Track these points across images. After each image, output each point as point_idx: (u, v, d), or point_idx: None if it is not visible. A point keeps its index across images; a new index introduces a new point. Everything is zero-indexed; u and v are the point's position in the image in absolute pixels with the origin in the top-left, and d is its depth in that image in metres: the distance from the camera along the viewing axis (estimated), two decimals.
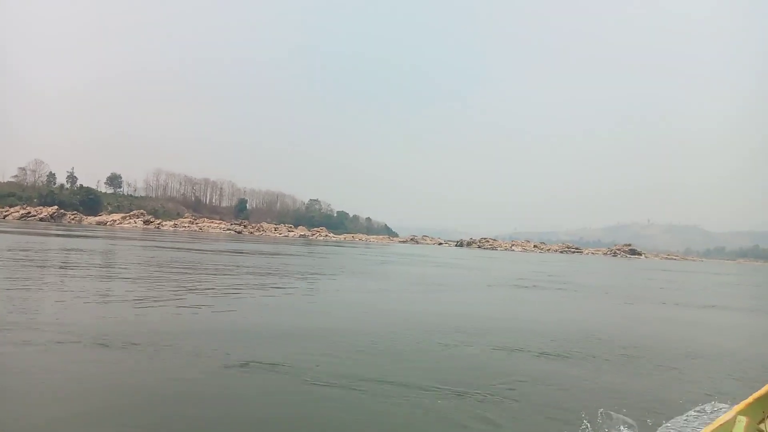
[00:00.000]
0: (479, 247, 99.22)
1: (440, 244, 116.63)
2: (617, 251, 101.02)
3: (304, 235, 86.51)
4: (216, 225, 78.93)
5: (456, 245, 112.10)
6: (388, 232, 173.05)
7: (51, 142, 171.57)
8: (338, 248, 36.21)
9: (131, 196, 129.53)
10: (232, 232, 75.87)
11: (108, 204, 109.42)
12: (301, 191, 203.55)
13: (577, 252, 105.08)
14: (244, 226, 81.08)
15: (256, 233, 79.46)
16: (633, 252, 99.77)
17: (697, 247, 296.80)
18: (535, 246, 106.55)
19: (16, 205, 71.93)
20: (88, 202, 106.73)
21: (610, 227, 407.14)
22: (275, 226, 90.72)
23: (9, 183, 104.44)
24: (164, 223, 75.60)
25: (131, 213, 76.92)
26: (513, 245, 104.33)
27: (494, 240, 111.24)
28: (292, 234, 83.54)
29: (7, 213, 65.12)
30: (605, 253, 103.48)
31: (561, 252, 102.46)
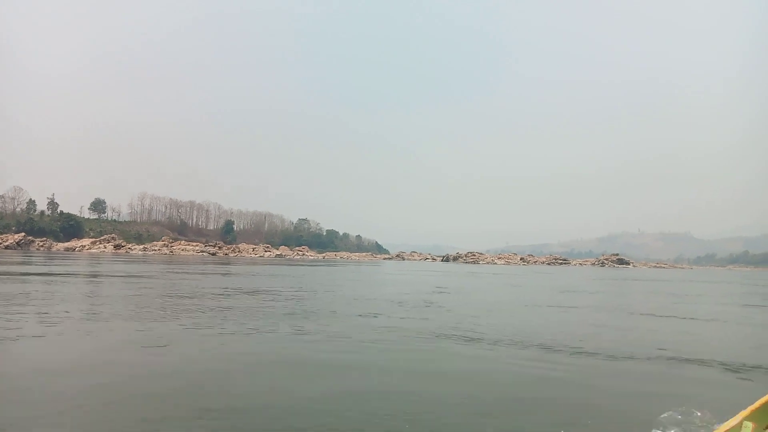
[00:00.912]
0: (464, 262, 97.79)
1: (426, 259, 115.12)
2: (605, 261, 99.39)
3: (281, 254, 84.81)
4: (191, 247, 77.36)
5: (442, 260, 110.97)
6: (378, 249, 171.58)
7: (31, 168, 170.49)
8: (294, 269, 34.59)
9: (115, 221, 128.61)
10: (206, 254, 74.38)
11: (90, 230, 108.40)
12: (290, 212, 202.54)
13: (565, 263, 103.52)
14: (219, 247, 79.55)
15: (232, 254, 77.94)
16: (621, 261, 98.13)
17: (689, 255, 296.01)
18: (521, 259, 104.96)
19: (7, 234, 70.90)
20: (69, 228, 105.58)
21: (602, 238, 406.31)
22: (253, 246, 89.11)
23: None
24: (133, 247, 73.92)
25: (101, 238, 75.39)
26: (498, 258, 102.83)
27: (480, 254, 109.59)
28: (268, 254, 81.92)
29: None
30: (593, 264, 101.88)
31: (548, 264, 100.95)
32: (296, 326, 8.46)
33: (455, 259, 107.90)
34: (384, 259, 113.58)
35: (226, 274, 23.88)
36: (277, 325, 8.61)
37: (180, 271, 24.77)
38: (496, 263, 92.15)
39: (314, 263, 57.58)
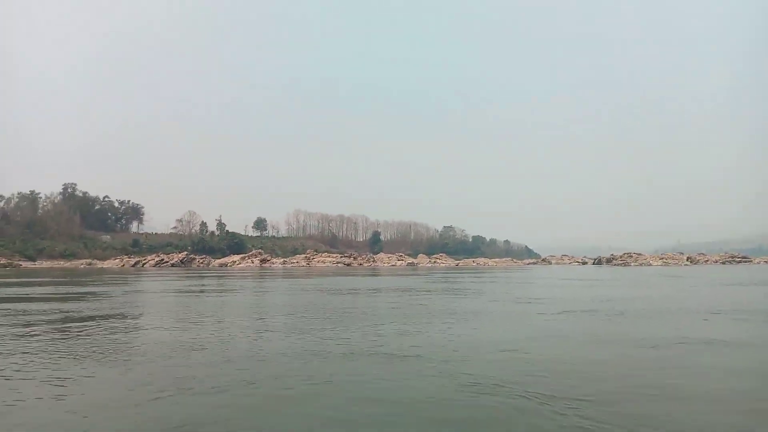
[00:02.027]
0: (616, 264, 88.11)
1: (577, 262, 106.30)
2: None
3: (413, 263, 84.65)
4: (329, 259, 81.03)
5: (594, 263, 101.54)
6: (529, 254, 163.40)
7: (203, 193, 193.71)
8: (395, 281, 33.69)
9: (274, 237, 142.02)
10: (341, 264, 77.20)
11: (252, 246, 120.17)
12: (434, 220, 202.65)
13: (745, 261, 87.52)
14: (354, 258, 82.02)
15: (366, 264, 79.85)
16: None
17: None
18: (688, 258, 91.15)
19: (173, 253, 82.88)
20: (234, 246, 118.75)
21: None
22: (389, 255, 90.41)
23: (170, 234, 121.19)
24: (274, 260, 79.53)
25: (250, 253, 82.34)
26: (660, 258, 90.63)
27: (639, 254, 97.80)
28: (400, 263, 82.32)
29: (145, 261, 74.02)
30: None
31: (722, 263, 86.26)
32: None
33: (609, 261, 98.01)
34: (528, 264, 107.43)
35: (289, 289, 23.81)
36: None
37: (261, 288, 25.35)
38: (651, 264, 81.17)
39: (429, 271, 56.27)
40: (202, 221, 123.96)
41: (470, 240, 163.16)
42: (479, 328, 8.51)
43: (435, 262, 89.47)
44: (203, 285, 24.09)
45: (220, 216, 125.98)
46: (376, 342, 7.09)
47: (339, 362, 5.80)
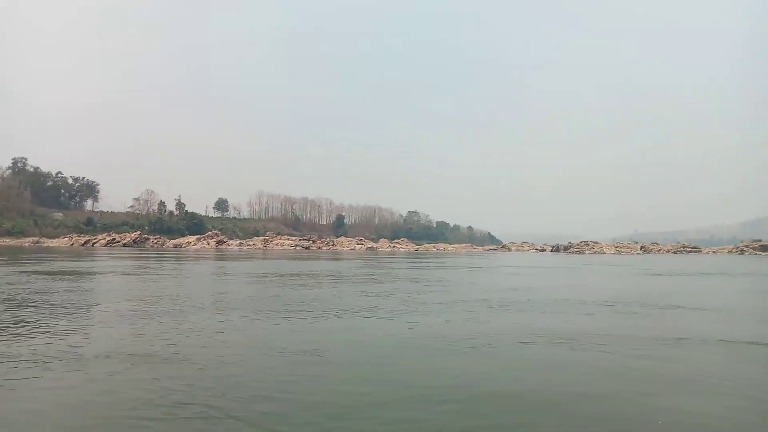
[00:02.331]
0: (576, 252, 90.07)
1: (537, 249, 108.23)
2: (744, 248, 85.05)
3: (372, 247, 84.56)
4: (287, 242, 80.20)
5: (551, 250, 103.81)
6: (491, 240, 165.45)
7: (163, 172, 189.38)
8: (350, 265, 33.40)
9: (235, 218, 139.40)
10: (300, 248, 76.53)
11: (212, 227, 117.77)
12: (399, 204, 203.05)
13: (695, 251, 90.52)
14: (313, 241, 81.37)
15: (325, 248, 79.37)
16: (764, 248, 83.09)
17: None
18: (642, 248, 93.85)
19: (126, 232, 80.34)
20: (193, 227, 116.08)
21: (748, 222, 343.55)
22: (349, 239, 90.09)
23: (127, 213, 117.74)
24: (231, 242, 78.30)
25: (206, 234, 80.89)
26: (615, 246, 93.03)
27: (595, 243, 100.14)
28: (359, 247, 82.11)
29: (95, 240, 71.76)
30: (730, 251, 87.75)
31: (674, 252, 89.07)
32: None
33: (566, 249, 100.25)
34: (487, 250, 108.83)
35: (226, 274, 23.32)
36: None
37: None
38: (605, 253, 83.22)
39: (369, 257, 56.41)
40: (161, 200, 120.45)
41: (434, 225, 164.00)
42: (323, 322, 8.29)
43: (395, 246, 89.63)
44: (133, 266, 23.33)
45: (180, 196, 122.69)
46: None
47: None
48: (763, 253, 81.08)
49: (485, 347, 6.15)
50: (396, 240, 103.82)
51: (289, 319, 8.02)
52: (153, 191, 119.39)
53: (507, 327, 7.59)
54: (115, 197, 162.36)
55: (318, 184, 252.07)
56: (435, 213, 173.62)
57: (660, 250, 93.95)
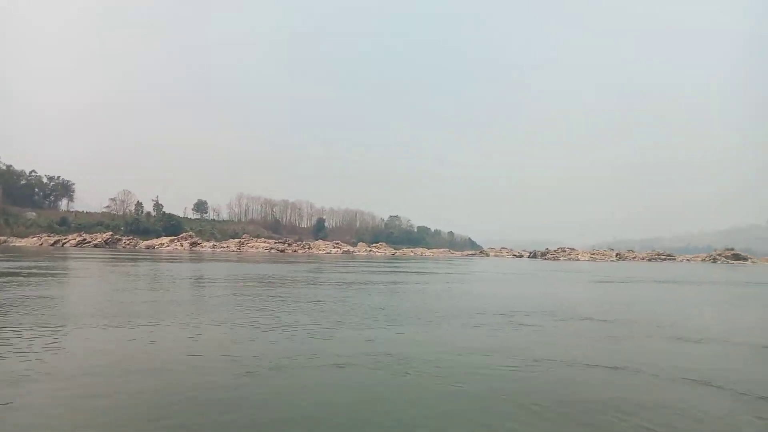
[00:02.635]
0: (552, 259, 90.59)
1: (515, 256, 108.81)
2: (717, 257, 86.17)
3: (348, 251, 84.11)
4: (259, 244, 79.47)
5: (529, 256, 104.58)
6: (472, 245, 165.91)
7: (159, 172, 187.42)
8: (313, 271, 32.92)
9: (214, 220, 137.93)
10: (275, 251, 75.85)
11: (190, 229, 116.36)
12: (381, 208, 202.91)
13: (669, 260, 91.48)
14: (289, 244, 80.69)
15: (301, 251, 78.73)
16: (737, 257, 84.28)
17: None
18: (617, 255, 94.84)
19: (97, 233, 78.97)
20: (170, 228, 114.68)
21: (724, 231, 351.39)
22: (326, 243, 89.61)
23: (103, 213, 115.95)
24: (205, 244, 77.40)
25: (179, 236, 79.75)
26: (592, 254, 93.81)
27: (572, 249, 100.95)
28: (335, 250, 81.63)
29: (65, 240, 70.41)
30: (703, 260, 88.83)
31: (649, 260, 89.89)
32: None
33: (543, 255, 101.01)
34: (466, 255, 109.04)
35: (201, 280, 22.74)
36: None
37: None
38: (579, 260, 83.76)
39: (341, 263, 56.08)
40: (138, 201, 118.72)
41: (415, 230, 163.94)
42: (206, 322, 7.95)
43: (371, 251, 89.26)
44: (75, 267, 22.72)
45: (157, 196, 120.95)
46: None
47: None
48: (735, 262, 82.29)
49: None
50: (375, 244, 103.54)
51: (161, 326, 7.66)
52: (130, 191, 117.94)
53: (360, 342, 7.24)
54: (92, 197, 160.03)
55: (317, 184, 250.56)
56: (423, 216, 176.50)
57: (635, 257, 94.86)
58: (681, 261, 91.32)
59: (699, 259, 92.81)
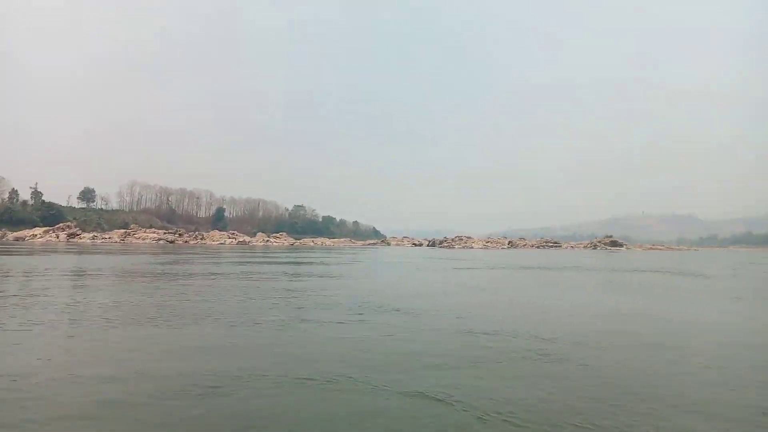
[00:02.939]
0: (447, 246, 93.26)
1: (415, 245, 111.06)
2: (597, 244, 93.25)
3: (244, 241, 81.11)
4: (147, 234, 74.43)
5: (428, 245, 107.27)
6: (376, 235, 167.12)
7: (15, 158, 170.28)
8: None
9: (101, 209, 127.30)
10: (164, 242, 71.29)
11: (74, 219, 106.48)
12: (287, 199, 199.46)
13: (555, 247, 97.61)
14: (179, 235, 76.26)
15: (193, 242, 74.63)
16: (614, 244, 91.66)
17: (692, 236, 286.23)
18: (510, 243, 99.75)
19: None
20: (50, 218, 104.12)
21: (605, 221, 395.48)
22: (220, 233, 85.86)
23: None
24: (84, 235, 71.24)
25: (56, 226, 72.80)
26: (486, 242, 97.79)
27: (469, 237, 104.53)
28: (230, 241, 78.37)
29: None
30: (585, 246, 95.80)
31: (538, 247, 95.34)
32: None
33: (440, 243, 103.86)
34: (367, 244, 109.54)
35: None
36: None
37: None
38: (473, 247, 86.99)
39: (232, 254, 54.15)
40: (13, 188, 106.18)
41: (320, 220, 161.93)
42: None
43: (269, 241, 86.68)
44: None
45: (36, 184, 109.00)
46: None
47: None
48: (612, 248, 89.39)
49: None
50: (275, 234, 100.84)
51: None
52: (3, 178, 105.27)
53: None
54: None
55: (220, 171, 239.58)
56: (324, 209, 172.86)
57: (525, 245, 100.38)
58: (566, 248, 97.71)
59: (582, 246, 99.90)
